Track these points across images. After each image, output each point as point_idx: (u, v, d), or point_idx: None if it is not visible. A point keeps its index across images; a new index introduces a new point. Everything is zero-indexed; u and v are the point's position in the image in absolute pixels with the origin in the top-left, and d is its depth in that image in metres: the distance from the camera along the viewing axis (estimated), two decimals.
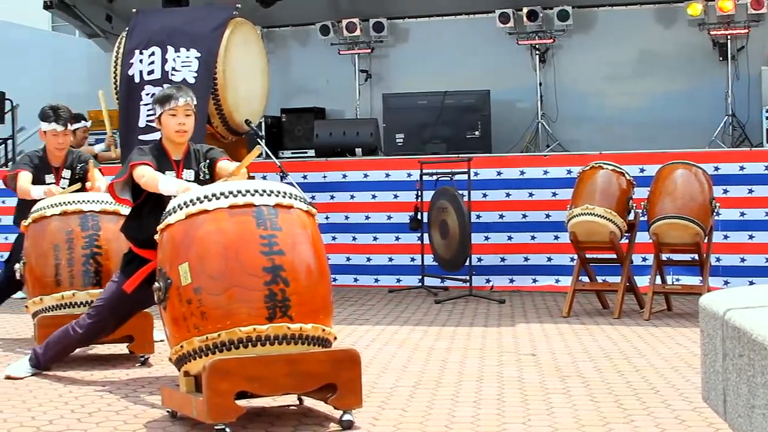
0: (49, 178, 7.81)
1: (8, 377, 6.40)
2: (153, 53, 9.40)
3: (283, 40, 16.25)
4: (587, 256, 9.17)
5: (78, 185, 7.83)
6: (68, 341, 6.34)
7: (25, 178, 7.66)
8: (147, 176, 5.75)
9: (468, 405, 5.44)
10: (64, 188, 7.71)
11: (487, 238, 10.85)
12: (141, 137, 9.15)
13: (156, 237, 5.20)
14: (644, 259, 10.01)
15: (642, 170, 10.18)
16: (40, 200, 7.31)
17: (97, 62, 16.69)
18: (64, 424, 5.20)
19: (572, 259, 9.82)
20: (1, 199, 12.57)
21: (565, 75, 14.51)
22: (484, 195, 10.82)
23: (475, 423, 5.04)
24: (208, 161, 6.04)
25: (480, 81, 13.82)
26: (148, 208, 5.94)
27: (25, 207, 7.57)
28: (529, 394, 5.69)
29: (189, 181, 5.88)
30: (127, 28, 9.89)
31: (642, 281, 9.35)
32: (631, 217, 8.92)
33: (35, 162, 7.79)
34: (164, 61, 9.38)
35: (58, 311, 6.86)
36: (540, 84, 14.45)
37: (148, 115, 9.05)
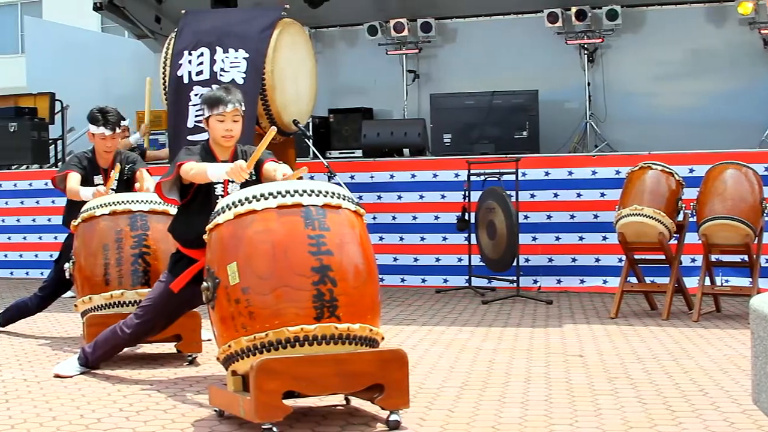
0: (98, 179, 7.86)
1: (57, 376, 6.45)
2: (202, 54, 9.43)
3: (331, 41, 16.28)
4: (636, 257, 9.12)
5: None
6: (116, 341, 6.38)
7: (74, 179, 7.72)
8: (195, 168, 5.77)
9: (515, 406, 5.43)
10: (113, 189, 7.76)
11: (534, 239, 10.82)
12: (189, 137, 9.19)
13: (204, 237, 5.22)
14: (693, 260, 9.95)
15: (691, 170, 10.11)
16: (88, 201, 7.37)
17: (145, 63, 16.80)
18: (112, 422, 5.23)
19: (620, 260, 9.77)
20: (50, 198, 12.69)
21: (613, 75, 14.43)
22: (532, 195, 10.79)
23: (522, 424, 5.02)
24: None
25: (528, 81, 13.78)
26: (195, 208, 5.97)
27: (74, 208, 7.62)
28: (577, 396, 5.66)
29: (236, 184, 5.90)
30: (176, 29, 9.93)
31: (691, 282, 9.29)
32: (680, 217, 8.86)
33: (84, 163, 7.85)
34: (213, 61, 9.41)
35: (107, 310, 6.90)
36: (588, 84, 14.37)
37: (196, 116, 9.09)
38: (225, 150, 6.06)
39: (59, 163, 15.95)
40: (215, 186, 5.95)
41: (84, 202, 7.39)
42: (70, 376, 6.44)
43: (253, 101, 9.20)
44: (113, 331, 6.35)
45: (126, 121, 10.87)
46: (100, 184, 7.80)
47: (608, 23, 14.17)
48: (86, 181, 7.76)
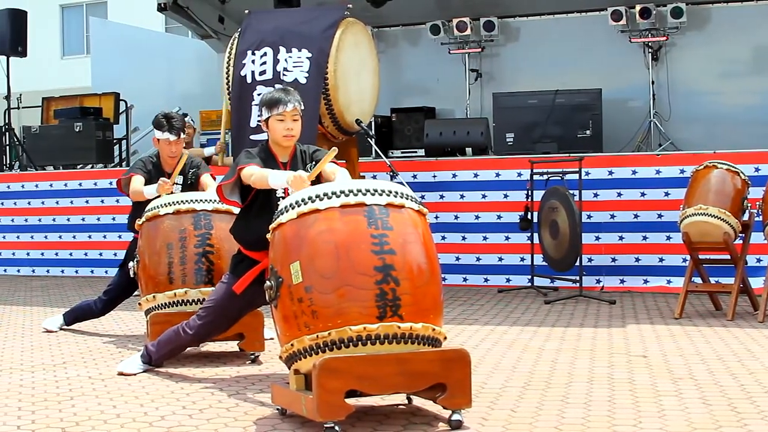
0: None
1: (121, 373, 6.51)
2: (265, 54, 9.48)
3: (394, 40, 16.29)
4: (700, 256, 9.03)
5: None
6: (179, 342, 6.43)
7: (138, 181, 7.78)
8: (256, 174, 5.79)
9: (578, 406, 5.40)
10: (177, 193, 7.82)
11: (597, 238, 10.75)
12: (252, 137, 9.25)
13: (267, 236, 5.24)
14: (759, 260, 9.84)
15: (757, 170, 10.01)
16: (152, 200, 7.42)
17: (209, 63, 16.93)
18: (176, 420, 5.26)
19: (684, 260, 9.69)
20: (115, 198, 12.80)
21: (678, 73, 14.31)
22: (595, 195, 10.73)
23: (585, 425, 4.99)
24: (314, 162, 6.05)
25: (591, 79, 13.70)
26: (256, 210, 5.99)
27: (138, 211, 7.68)
28: (640, 397, 5.62)
29: None
30: (239, 29, 9.99)
31: (756, 283, 9.18)
32: (746, 217, 8.76)
33: (149, 167, 7.90)
34: (276, 61, 9.46)
35: (171, 309, 6.95)
36: (652, 82, 14.26)
37: (259, 115, 9.13)
38: (285, 150, 6.07)
39: (123, 163, 16.12)
40: (275, 189, 5.96)
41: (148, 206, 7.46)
42: (134, 374, 6.49)
43: (315, 101, 9.24)
44: (176, 331, 6.39)
45: (192, 120, 10.92)
46: None
47: (673, 21, 14.05)
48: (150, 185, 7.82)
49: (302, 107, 6.06)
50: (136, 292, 10.37)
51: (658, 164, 10.68)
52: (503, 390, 5.84)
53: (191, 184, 7.95)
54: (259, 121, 6.12)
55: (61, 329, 8.56)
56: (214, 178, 7.79)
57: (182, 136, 7.89)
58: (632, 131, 13.99)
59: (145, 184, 7.77)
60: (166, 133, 7.79)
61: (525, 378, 6.19)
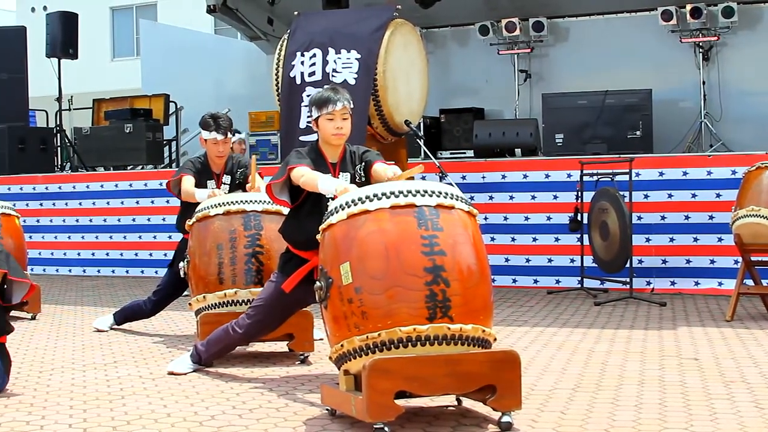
0: (210, 183, 7.94)
1: (171, 373, 6.54)
2: (314, 55, 9.50)
3: (443, 41, 16.29)
4: (752, 258, 8.94)
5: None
6: (228, 341, 6.44)
7: (189, 181, 7.82)
8: (306, 176, 5.79)
9: (629, 409, 5.36)
10: (225, 193, 7.84)
11: (648, 240, 10.68)
12: (302, 138, 9.26)
13: (317, 237, 5.24)
14: None
15: None
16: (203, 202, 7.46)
17: (258, 64, 17.01)
18: (226, 419, 5.28)
19: (736, 262, 9.60)
20: (165, 198, 12.87)
21: (729, 73, 14.21)
22: (646, 196, 10.65)
23: (636, 427, 4.96)
24: (363, 163, 6.05)
25: (641, 80, 13.62)
26: (306, 210, 5.99)
27: (187, 212, 7.72)
28: (692, 399, 5.57)
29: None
30: (288, 31, 10.01)
31: None
32: None
33: (197, 167, 7.94)
34: (325, 62, 9.47)
35: (221, 309, 6.97)
36: (703, 82, 14.18)
37: (308, 117, 9.16)
38: (335, 150, 6.07)
39: (173, 164, 16.22)
40: None
41: (197, 206, 7.50)
42: (184, 373, 6.52)
43: (364, 102, 9.24)
44: (225, 330, 6.41)
45: (243, 135, 10.93)
46: (212, 188, 7.90)
47: (724, 20, 13.96)
48: (199, 185, 7.85)
49: (352, 105, 6.05)
50: (186, 292, 10.45)
51: (709, 165, 10.60)
52: (553, 392, 5.81)
53: (240, 183, 7.98)
54: (308, 121, 6.14)
55: (111, 329, 8.62)
56: (262, 177, 7.81)
57: (229, 135, 7.92)
58: (683, 132, 13.90)
59: (195, 185, 7.81)
60: (213, 132, 7.82)
61: (575, 380, 6.16)
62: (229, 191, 7.90)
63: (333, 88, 6.11)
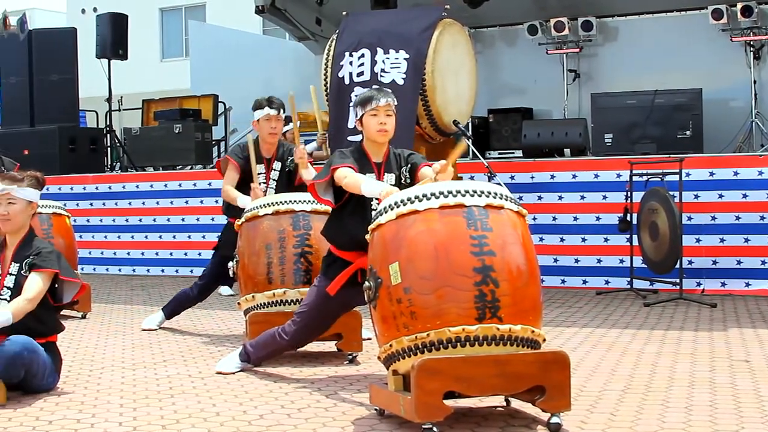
0: (260, 168, 7.93)
1: (219, 372, 6.56)
2: (362, 55, 9.51)
3: (491, 41, 16.26)
4: None
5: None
6: (275, 347, 6.45)
7: (231, 178, 7.84)
8: (349, 178, 5.78)
9: (679, 410, 5.33)
10: (275, 180, 7.86)
11: (698, 240, 10.59)
12: (350, 138, 9.27)
13: (365, 237, 5.24)
14: None
15: None
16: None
17: (306, 65, 17.03)
18: (274, 419, 5.30)
19: None
20: (214, 198, 12.93)
21: None
22: (696, 196, 10.57)
23: (686, 429, 4.93)
24: (410, 165, 6.04)
25: (691, 79, 13.52)
26: (348, 210, 5.98)
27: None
28: (743, 402, 5.53)
29: (390, 185, 5.91)
30: (337, 31, 10.03)
31: None
32: None
33: (246, 153, 7.89)
34: (374, 62, 9.48)
35: (270, 308, 6.98)
36: (754, 82, 14.04)
37: (355, 116, 9.16)
38: (379, 149, 6.06)
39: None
40: None
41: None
42: (232, 373, 6.54)
43: (413, 102, 9.24)
44: (272, 336, 6.40)
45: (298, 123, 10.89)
46: (261, 174, 7.90)
47: None
48: (249, 170, 7.86)
49: (396, 103, 6.03)
50: (232, 291, 10.50)
51: (760, 165, 10.49)
52: (602, 393, 5.79)
53: (290, 171, 7.96)
54: (355, 122, 6.14)
55: (160, 327, 8.64)
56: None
57: (282, 113, 7.90)
58: (733, 132, 13.77)
59: (244, 170, 7.83)
60: (266, 109, 7.82)
61: (624, 381, 6.12)
62: (278, 178, 7.93)
63: (378, 88, 6.13)
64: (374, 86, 6.18)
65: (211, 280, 8.46)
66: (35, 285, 5.91)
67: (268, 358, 6.64)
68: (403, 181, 6.01)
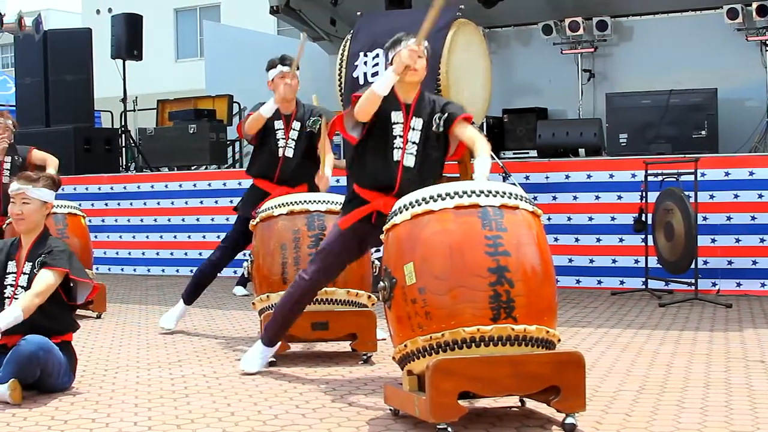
0: (279, 124, 7.91)
1: (244, 373, 6.53)
2: (377, 55, 9.50)
3: (506, 40, 16.24)
4: None
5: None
6: (294, 292, 6.31)
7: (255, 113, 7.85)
8: (364, 95, 5.74)
9: (694, 411, 5.31)
10: (294, 140, 7.89)
11: (713, 241, 10.57)
12: None
13: (384, 178, 5.40)
14: None
15: None
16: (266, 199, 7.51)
17: (321, 65, 17.02)
18: (289, 418, 5.30)
19: None
20: (228, 198, 12.94)
21: None
22: (711, 196, 10.54)
23: (701, 430, 4.92)
24: (446, 114, 5.90)
25: (707, 79, 13.48)
26: (370, 146, 5.94)
27: (257, 156, 8.06)
28: (758, 403, 5.51)
29: (417, 130, 5.87)
30: (351, 31, 10.03)
31: None
32: None
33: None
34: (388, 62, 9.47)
35: None
36: None
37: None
38: (410, 90, 5.93)
39: (237, 164, 16.31)
40: (393, 125, 5.89)
41: (260, 197, 7.53)
42: (256, 372, 6.51)
43: None
44: (293, 284, 6.35)
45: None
46: (280, 129, 7.90)
47: None
48: (267, 128, 7.87)
49: (427, 44, 5.93)
50: (247, 291, 10.50)
51: None
52: (617, 394, 5.78)
53: (310, 132, 7.93)
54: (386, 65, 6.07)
55: (176, 327, 8.59)
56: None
57: (296, 69, 7.87)
58: (749, 131, 13.73)
59: (263, 130, 7.88)
60: (279, 66, 7.83)
61: (640, 382, 6.11)
62: (297, 138, 7.92)
63: (407, 33, 5.99)
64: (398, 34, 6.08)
65: (231, 243, 8.34)
66: (44, 280, 5.92)
67: (288, 315, 6.44)
68: (434, 128, 5.90)
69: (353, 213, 5.97)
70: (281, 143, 7.89)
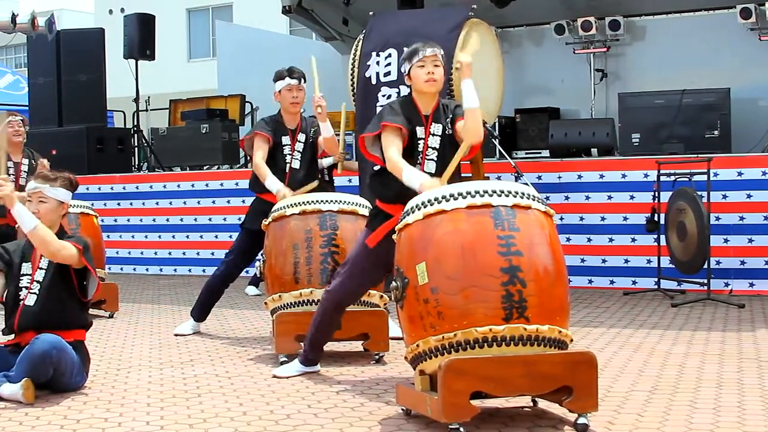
0: (285, 139, 7.97)
1: (275, 376, 6.50)
2: (389, 55, 9.50)
3: (518, 40, 16.23)
4: None
5: (314, 184, 7.98)
6: (323, 308, 6.31)
7: (261, 153, 7.87)
8: (393, 160, 5.76)
9: (707, 411, 5.31)
10: (299, 151, 7.93)
11: (726, 241, 10.54)
12: None
13: (408, 191, 5.35)
14: None
15: None
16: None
17: (333, 65, 17.02)
18: (301, 418, 5.30)
19: None
20: (241, 198, 12.95)
21: None
22: (724, 196, 10.52)
23: (714, 431, 4.91)
24: (451, 116, 6.01)
25: (719, 79, 13.44)
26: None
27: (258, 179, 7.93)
28: None
29: (436, 135, 5.92)
30: (363, 31, 10.03)
31: None
32: None
33: (271, 126, 7.95)
34: (400, 62, 9.47)
35: (296, 308, 6.97)
36: None
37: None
38: (429, 100, 5.99)
39: (248, 164, 16.30)
40: (418, 143, 5.92)
41: (268, 209, 7.52)
42: (289, 377, 6.48)
43: None
44: (321, 302, 6.35)
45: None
46: (287, 146, 7.93)
47: None
48: (274, 144, 7.91)
49: (442, 53, 5.99)
50: (259, 291, 10.51)
51: None
52: (630, 394, 5.77)
53: (313, 142, 8.02)
54: (404, 77, 6.10)
55: (195, 332, 8.51)
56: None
57: (303, 82, 7.94)
58: (762, 131, 13.68)
59: (271, 146, 7.89)
60: (286, 79, 7.88)
61: (652, 382, 6.10)
62: (302, 150, 7.98)
63: (423, 40, 6.06)
64: (419, 40, 6.11)
65: (237, 255, 8.35)
66: (64, 242, 5.96)
67: (323, 330, 6.42)
68: (447, 132, 5.98)
69: (380, 229, 5.97)
70: (288, 159, 7.94)
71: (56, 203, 6.13)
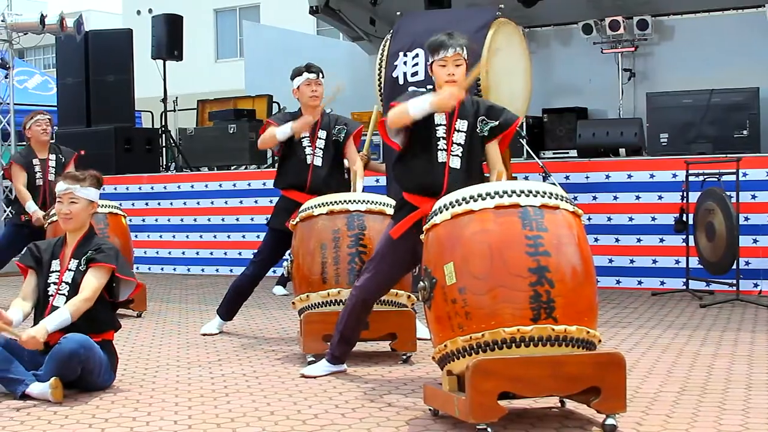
0: (304, 133, 7.91)
1: (303, 376, 6.50)
2: (417, 55, 9.50)
3: (545, 40, 16.21)
4: None
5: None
6: (350, 305, 6.30)
7: (269, 131, 7.88)
8: (398, 110, 5.78)
9: (736, 413, 5.28)
10: (321, 149, 7.91)
11: (755, 241, 10.49)
12: None
13: (430, 181, 5.41)
14: None
15: None
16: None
17: (360, 65, 17.05)
18: (329, 418, 5.30)
19: None
20: (268, 198, 12.97)
21: None
22: (753, 196, 10.46)
23: None
24: (495, 123, 5.98)
25: (748, 78, 13.36)
26: (414, 152, 5.96)
27: (283, 167, 8.10)
28: None
29: (462, 132, 5.91)
30: (391, 31, 10.03)
31: None
32: None
33: (287, 119, 7.89)
34: (428, 62, 9.47)
35: (324, 308, 6.97)
36: None
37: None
38: None
39: (276, 164, 16.32)
40: (436, 127, 5.92)
41: (293, 207, 7.53)
42: (315, 377, 6.48)
43: None
44: (349, 298, 6.35)
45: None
46: (306, 137, 7.90)
47: None
48: (292, 138, 7.88)
49: (465, 52, 5.95)
50: (286, 291, 10.52)
51: None
52: (658, 395, 5.74)
53: (336, 142, 7.96)
54: (427, 66, 6.09)
55: (221, 331, 8.53)
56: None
57: (321, 77, 7.90)
58: None
59: (288, 143, 7.90)
60: (305, 74, 7.84)
61: (680, 383, 6.07)
62: (324, 147, 7.94)
63: (449, 33, 6.00)
64: (446, 31, 6.07)
65: (265, 256, 8.32)
66: (91, 283, 5.99)
67: (348, 332, 6.41)
68: (479, 131, 5.96)
69: (405, 221, 5.96)
70: (308, 151, 7.90)
71: (87, 202, 6.17)
